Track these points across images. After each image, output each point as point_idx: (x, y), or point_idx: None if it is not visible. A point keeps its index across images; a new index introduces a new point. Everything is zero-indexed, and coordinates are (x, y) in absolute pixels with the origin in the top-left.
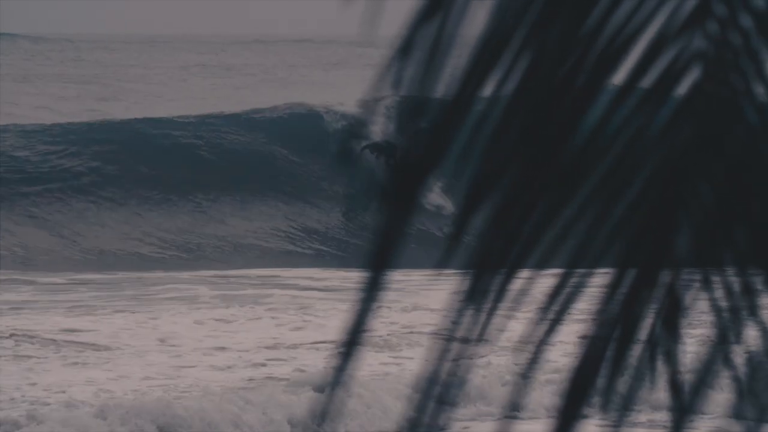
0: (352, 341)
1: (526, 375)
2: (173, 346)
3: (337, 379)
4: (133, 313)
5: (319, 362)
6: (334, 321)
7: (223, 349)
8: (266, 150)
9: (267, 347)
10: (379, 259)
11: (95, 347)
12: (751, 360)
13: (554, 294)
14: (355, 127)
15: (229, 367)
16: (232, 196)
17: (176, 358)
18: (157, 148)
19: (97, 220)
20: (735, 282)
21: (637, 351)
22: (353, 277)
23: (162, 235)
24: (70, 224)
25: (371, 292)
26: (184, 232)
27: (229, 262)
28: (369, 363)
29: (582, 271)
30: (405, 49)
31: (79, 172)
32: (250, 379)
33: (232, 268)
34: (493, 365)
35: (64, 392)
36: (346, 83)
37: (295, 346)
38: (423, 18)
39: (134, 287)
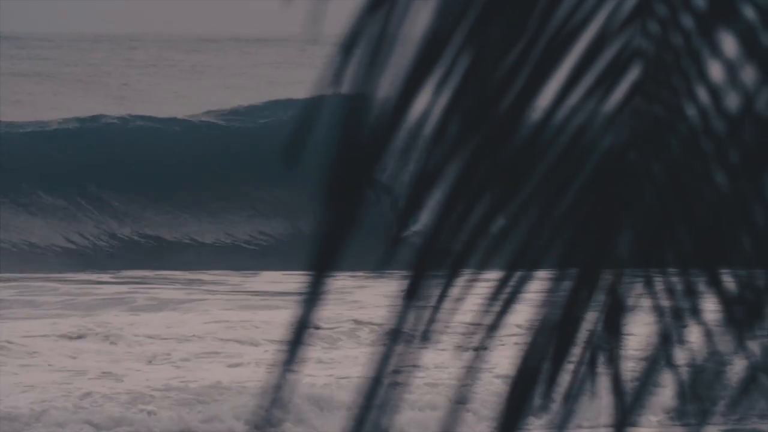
0: (295, 342)
1: (467, 376)
2: None
3: (279, 381)
4: None
5: None
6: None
7: None
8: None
9: None
10: (322, 259)
11: None
12: (694, 362)
13: (495, 294)
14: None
15: None
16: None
17: None
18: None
19: None
20: (677, 283)
21: (578, 352)
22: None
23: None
24: None
25: (314, 293)
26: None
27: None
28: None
29: (523, 271)
30: (348, 45)
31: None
32: None
33: None
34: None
35: None
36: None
37: None
38: (366, 15)
39: None
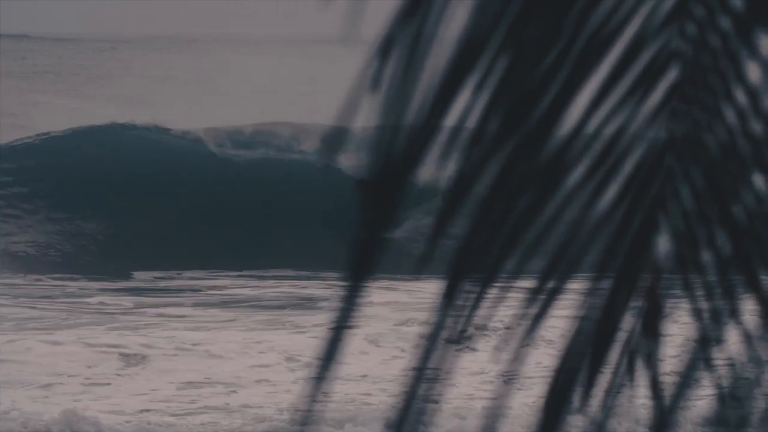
0: (332, 349)
1: (507, 379)
2: None
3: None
4: None
5: None
6: None
7: None
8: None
9: None
10: (359, 266)
11: None
12: (733, 365)
13: (532, 298)
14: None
15: None
16: None
17: None
18: None
19: None
20: (715, 285)
21: (616, 355)
22: None
23: None
24: None
25: (352, 300)
26: None
27: None
28: None
29: (560, 274)
30: (385, 48)
31: None
32: None
33: None
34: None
35: None
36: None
37: None
38: (403, 18)
39: None
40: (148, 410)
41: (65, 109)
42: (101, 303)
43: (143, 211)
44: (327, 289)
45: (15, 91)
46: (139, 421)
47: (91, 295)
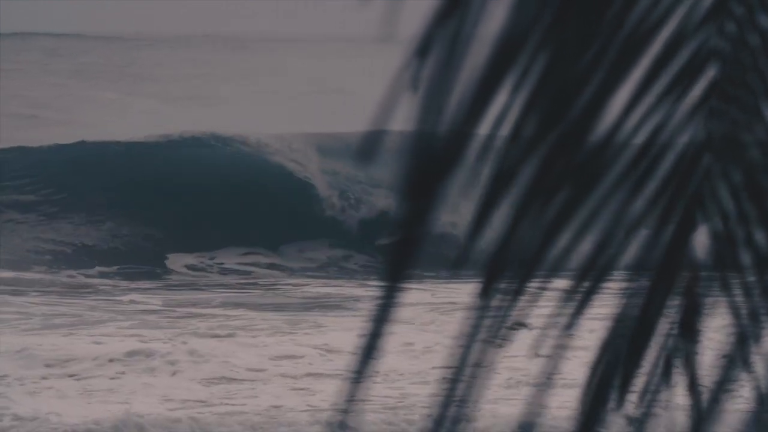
0: (369, 350)
1: (543, 379)
2: None
3: (354, 387)
4: None
5: None
6: None
7: None
8: None
9: None
10: (397, 262)
11: None
12: None
13: (569, 297)
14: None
15: None
16: None
17: None
18: None
19: None
20: (754, 284)
21: (654, 355)
22: None
23: None
24: None
25: (389, 300)
26: None
27: None
28: None
29: (598, 273)
30: (423, 48)
31: None
32: None
33: None
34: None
35: None
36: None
37: None
38: (441, 18)
39: None
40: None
41: (146, 112)
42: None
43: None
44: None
45: (79, 91)
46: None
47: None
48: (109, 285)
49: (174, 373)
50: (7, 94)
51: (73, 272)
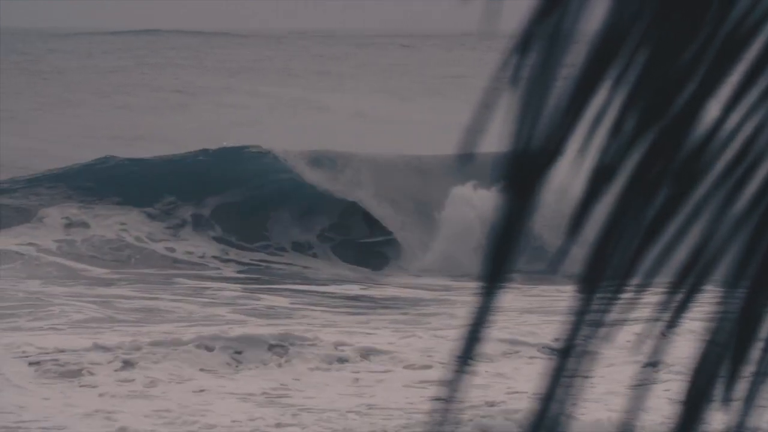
0: (469, 347)
1: (642, 383)
2: None
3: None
4: None
5: None
6: None
7: None
8: None
9: None
10: (497, 258)
11: None
12: None
13: (668, 302)
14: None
15: None
16: None
17: None
18: None
19: None
20: None
21: (758, 353)
22: None
23: None
24: None
25: (489, 295)
26: None
27: None
28: None
29: (697, 275)
30: (523, 45)
31: None
32: None
33: None
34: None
35: None
36: None
37: None
38: (540, 16)
39: None
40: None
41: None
42: None
43: None
44: None
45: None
46: None
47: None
48: None
49: None
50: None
51: None
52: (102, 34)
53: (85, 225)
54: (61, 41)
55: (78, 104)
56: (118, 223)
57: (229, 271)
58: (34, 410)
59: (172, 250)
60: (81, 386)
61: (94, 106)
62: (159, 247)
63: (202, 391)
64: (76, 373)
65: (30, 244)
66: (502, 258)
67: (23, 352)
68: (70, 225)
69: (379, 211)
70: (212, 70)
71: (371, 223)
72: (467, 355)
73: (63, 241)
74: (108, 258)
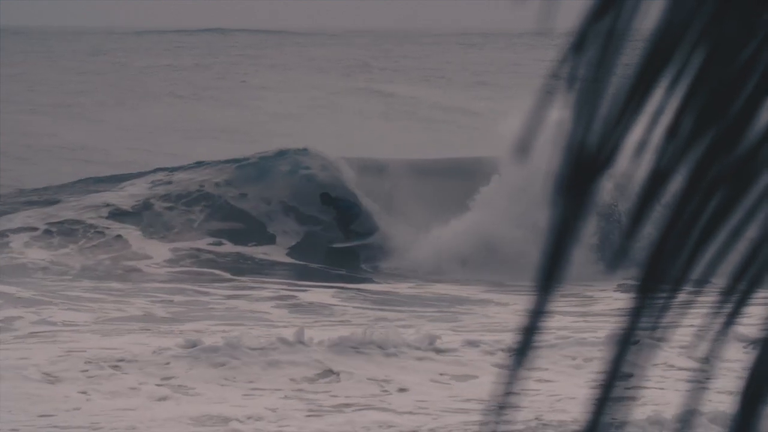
0: (524, 347)
1: (699, 379)
2: None
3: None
4: None
5: None
6: None
7: None
8: None
9: None
10: (552, 260)
11: None
12: None
13: (722, 303)
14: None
15: None
16: None
17: None
18: None
19: None
20: None
21: None
22: None
23: None
24: None
25: (544, 296)
26: None
27: None
28: None
29: (751, 276)
30: (578, 45)
31: None
32: None
33: None
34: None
35: None
36: None
37: None
38: (596, 15)
39: None
40: None
41: None
42: None
43: None
44: None
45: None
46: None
47: None
48: None
49: None
50: None
51: None
52: (172, 32)
53: None
54: (133, 40)
55: (155, 100)
56: None
57: None
58: None
59: None
60: None
61: (176, 104)
62: None
63: None
64: None
65: None
66: (557, 261)
67: None
68: None
69: None
70: (286, 67)
71: None
72: (523, 356)
73: None
74: None
